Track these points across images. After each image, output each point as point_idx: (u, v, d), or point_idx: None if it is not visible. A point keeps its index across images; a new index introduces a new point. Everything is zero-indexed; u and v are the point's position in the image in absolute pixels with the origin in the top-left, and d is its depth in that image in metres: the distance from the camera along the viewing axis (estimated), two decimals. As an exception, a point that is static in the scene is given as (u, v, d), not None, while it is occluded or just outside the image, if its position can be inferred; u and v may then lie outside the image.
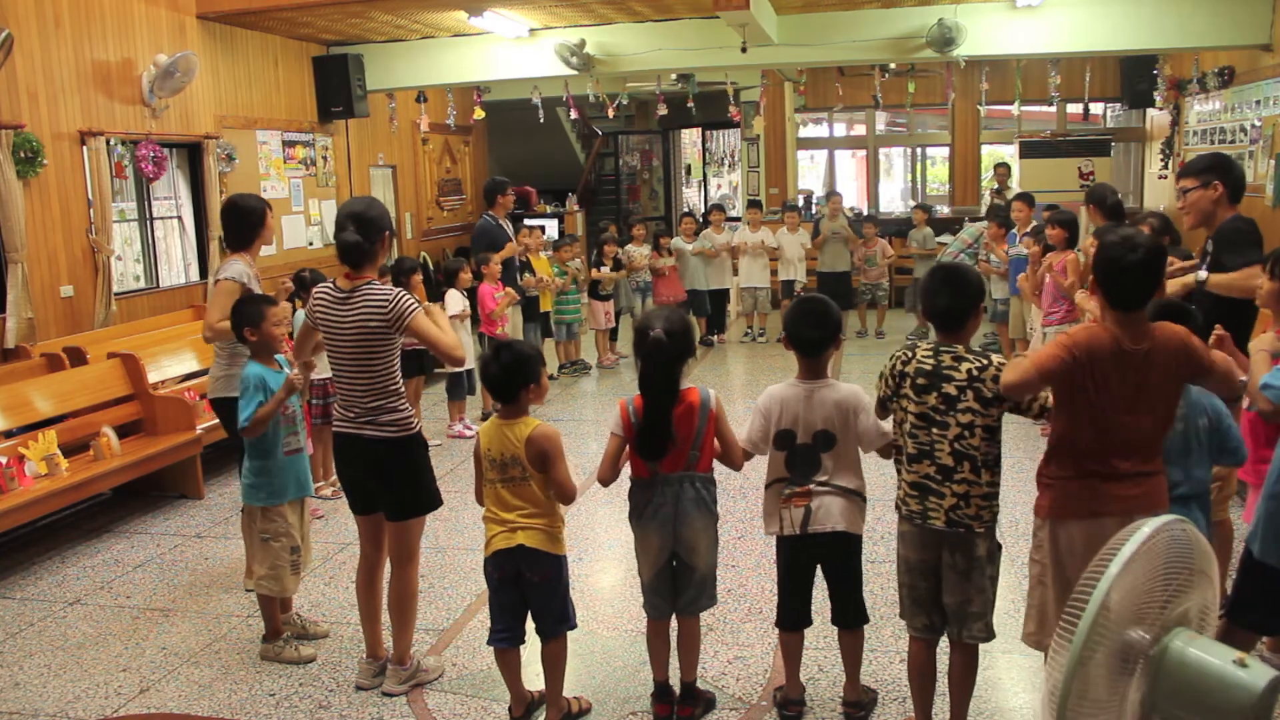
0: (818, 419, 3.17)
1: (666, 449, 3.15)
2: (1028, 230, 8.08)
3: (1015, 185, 11.17)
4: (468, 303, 7.35)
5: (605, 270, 9.35)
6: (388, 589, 3.67)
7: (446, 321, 3.63)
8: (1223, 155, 4.42)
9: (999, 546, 3.02)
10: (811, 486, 3.16)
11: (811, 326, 3.21)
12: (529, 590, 3.23)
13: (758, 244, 10.20)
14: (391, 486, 3.55)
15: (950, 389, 2.91)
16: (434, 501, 3.64)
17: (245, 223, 4.43)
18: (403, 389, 3.56)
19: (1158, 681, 1.95)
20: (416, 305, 3.45)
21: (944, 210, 12.93)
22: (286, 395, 3.85)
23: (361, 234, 3.45)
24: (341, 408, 3.56)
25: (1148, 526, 1.96)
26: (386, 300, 3.41)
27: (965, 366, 2.92)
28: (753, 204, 11.19)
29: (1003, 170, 11.64)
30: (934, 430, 2.93)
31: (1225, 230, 4.20)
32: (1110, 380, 2.69)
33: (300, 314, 5.11)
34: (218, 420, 4.78)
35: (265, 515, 3.91)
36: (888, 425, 3.17)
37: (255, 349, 3.94)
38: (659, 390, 3.13)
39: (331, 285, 3.54)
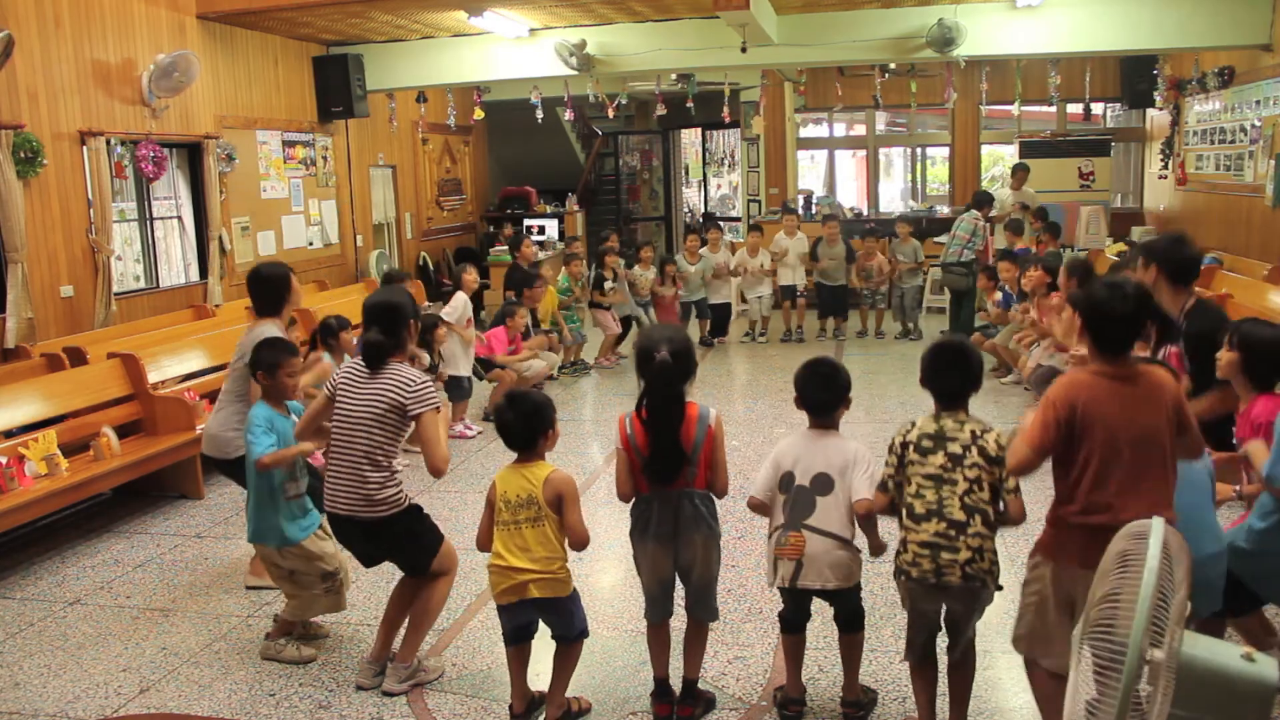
0: (819, 462, 3.19)
1: (681, 471, 3.16)
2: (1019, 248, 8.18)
3: (1030, 189, 11.03)
4: (471, 309, 7.35)
5: (609, 285, 9.39)
6: (418, 592, 3.71)
7: (445, 432, 3.75)
8: (1170, 237, 4.23)
9: (1000, 588, 3.03)
10: (804, 533, 3.15)
11: (820, 389, 3.26)
12: (546, 622, 3.35)
13: (757, 268, 10.22)
14: (396, 554, 3.70)
15: (955, 448, 2.95)
16: (437, 543, 3.69)
17: (272, 290, 4.47)
18: (397, 467, 3.60)
19: (1174, 686, 1.97)
20: (435, 403, 3.55)
21: (944, 210, 12.92)
22: (297, 455, 3.84)
23: (385, 330, 3.58)
24: (331, 492, 3.59)
25: (1154, 546, 1.97)
26: (410, 383, 3.52)
27: (968, 428, 2.98)
28: (753, 229, 11.18)
29: (1021, 173, 11.29)
30: (943, 489, 2.94)
31: (1189, 333, 3.95)
32: (1099, 417, 2.69)
33: (327, 358, 5.14)
34: (226, 473, 4.68)
35: (283, 555, 3.87)
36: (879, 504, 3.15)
37: (265, 391, 3.94)
38: (666, 412, 3.14)
39: (361, 364, 3.61)
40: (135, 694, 3.73)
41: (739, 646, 3.90)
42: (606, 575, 4.70)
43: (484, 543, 3.31)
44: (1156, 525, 2.04)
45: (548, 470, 3.22)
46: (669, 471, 3.15)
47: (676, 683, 3.42)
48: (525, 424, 3.21)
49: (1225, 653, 1.97)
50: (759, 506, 3.31)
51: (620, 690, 3.59)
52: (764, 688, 3.58)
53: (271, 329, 4.38)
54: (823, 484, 3.17)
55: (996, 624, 3.68)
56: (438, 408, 3.57)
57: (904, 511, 3.02)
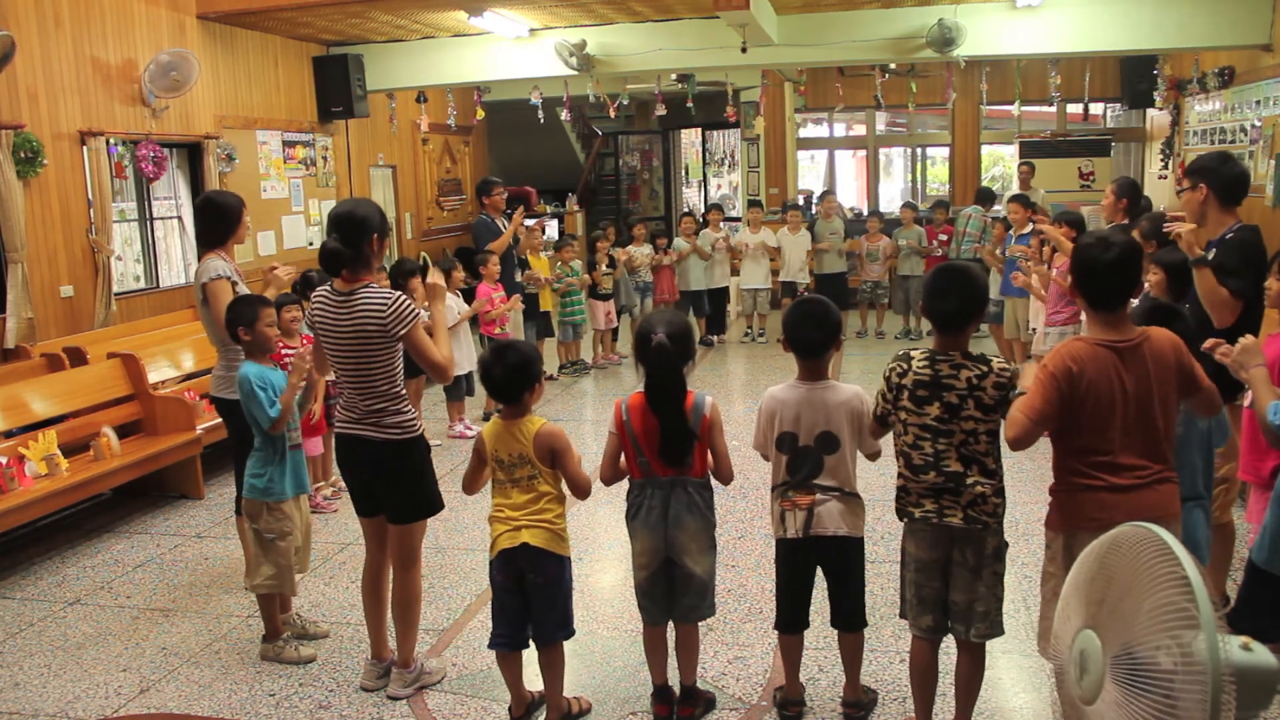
0: (820, 420, 3.17)
1: (691, 448, 3.16)
2: (1025, 232, 8.10)
3: (1040, 189, 11.01)
4: (462, 305, 7.33)
5: (601, 270, 9.36)
6: (391, 592, 3.67)
7: (445, 333, 3.56)
8: (1217, 155, 4.21)
9: (1006, 544, 3.02)
10: (815, 493, 3.16)
11: (810, 327, 3.20)
12: (532, 593, 3.23)
13: (758, 244, 10.20)
14: (394, 489, 3.54)
15: (952, 398, 2.90)
16: (435, 505, 3.63)
17: (222, 220, 4.35)
18: (405, 391, 3.54)
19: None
20: (415, 315, 3.41)
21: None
22: (300, 378, 3.83)
23: (344, 239, 3.40)
24: (344, 408, 3.55)
25: (1178, 548, 2.00)
26: (385, 305, 3.37)
27: (965, 375, 2.90)
28: (753, 204, 11.17)
29: (1025, 169, 11.20)
30: (939, 441, 2.91)
31: (1228, 246, 3.97)
32: (1099, 383, 2.68)
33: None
34: (220, 419, 4.74)
35: (271, 512, 3.89)
36: (879, 444, 3.21)
37: (249, 348, 3.94)
38: (668, 393, 3.14)
39: (329, 289, 3.49)
40: (135, 694, 3.73)
41: (739, 646, 3.90)
42: (606, 575, 4.70)
43: (469, 487, 3.32)
44: (1162, 532, 2.05)
45: (537, 425, 3.18)
46: (679, 451, 3.14)
47: (676, 684, 3.42)
48: (512, 377, 3.16)
49: (1228, 644, 1.99)
50: (761, 454, 3.30)
51: (620, 690, 3.59)
52: (764, 688, 3.58)
53: (217, 262, 4.28)
54: (828, 442, 3.16)
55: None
56: (419, 317, 3.44)
57: (902, 460, 3.01)
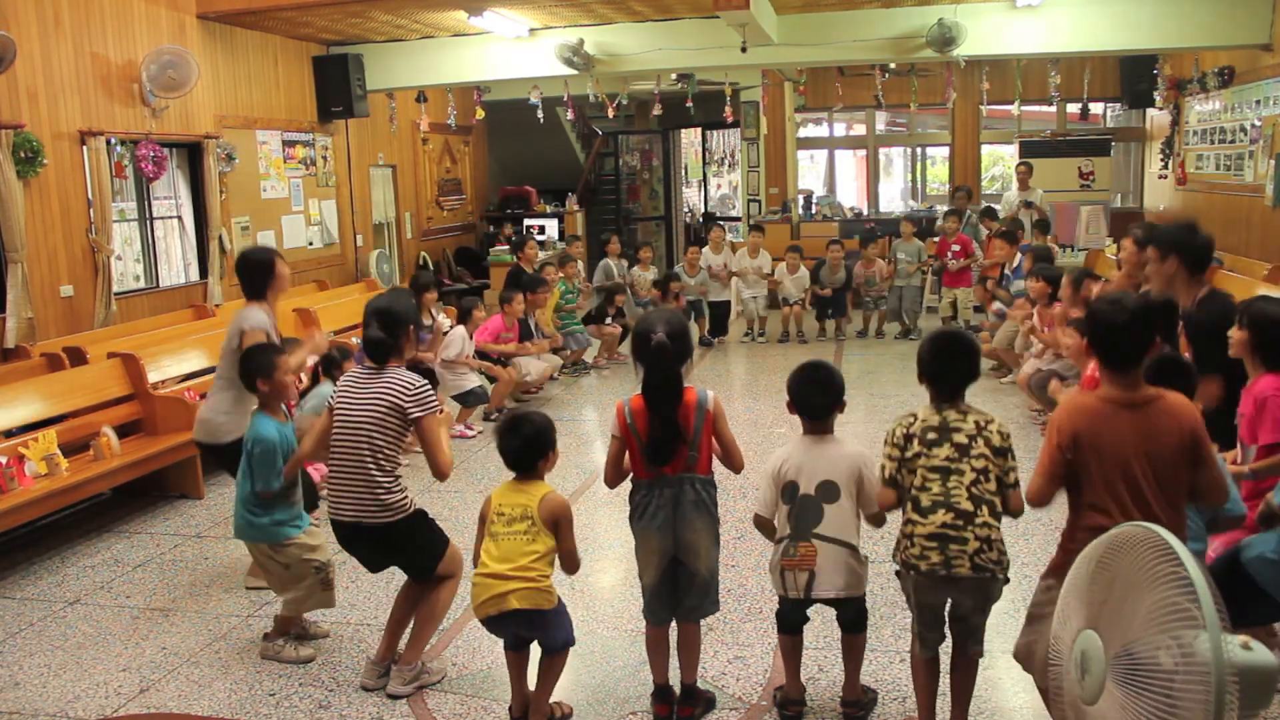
0: (822, 470, 3.17)
1: (678, 451, 3.16)
2: (1014, 266, 8.18)
3: (1039, 189, 10.99)
4: (471, 346, 7.36)
5: (609, 325, 9.49)
6: (423, 595, 3.71)
7: (447, 436, 3.74)
8: (1184, 227, 4.24)
9: (1007, 580, 3.03)
10: (814, 542, 3.14)
11: (817, 393, 3.23)
12: (530, 637, 3.32)
13: (757, 270, 10.23)
14: (402, 560, 3.68)
15: (961, 438, 2.94)
16: (443, 547, 3.69)
17: (256, 274, 4.49)
18: (399, 472, 3.60)
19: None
20: (435, 406, 3.57)
21: (943, 210, 12.92)
22: (299, 463, 3.88)
23: (386, 330, 3.58)
24: (335, 499, 3.58)
25: (1179, 546, 2.00)
26: (410, 386, 3.52)
27: (971, 419, 2.97)
28: (754, 229, 11.15)
29: (1023, 169, 11.10)
30: (950, 480, 2.92)
31: (1195, 320, 3.98)
32: (1103, 439, 2.68)
33: (325, 387, 5.16)
34: (216, 460, 4.68)
35: (275, 550, 3.87)
36: (880, 506, 3.17)
37: (265, 399, 3.93)
38: (664, 394, 3.15)
39: (364, 367, 3.64)
40: (135, 694, 3.73)
41: (739, 646, 3.90)
42: (606, 575, 4.70)
43: (477, 559, 3.31)
44: (1162, 532, 2.05)
45: (545, 490, 3.22)
46: (666, 452, 3.15)
47: (676, 684, 3.42)
48: (527, 449, 3.22)
49: (1229, 643, 2.00)
50: (764, 525, 3.30)
51: (620, 690, 3.59)
52: (764, 688, 3.58)
53: (258, 313, 4.42)
54: (829, 491, 3.16)
55: (996, 624, 3.66)
56: (437, 411, 3.58)
57: (909, 504, 3.00)
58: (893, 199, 15.89)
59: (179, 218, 8.32)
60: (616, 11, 8.92)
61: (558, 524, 3.18)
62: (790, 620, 3.32)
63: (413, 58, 10.08)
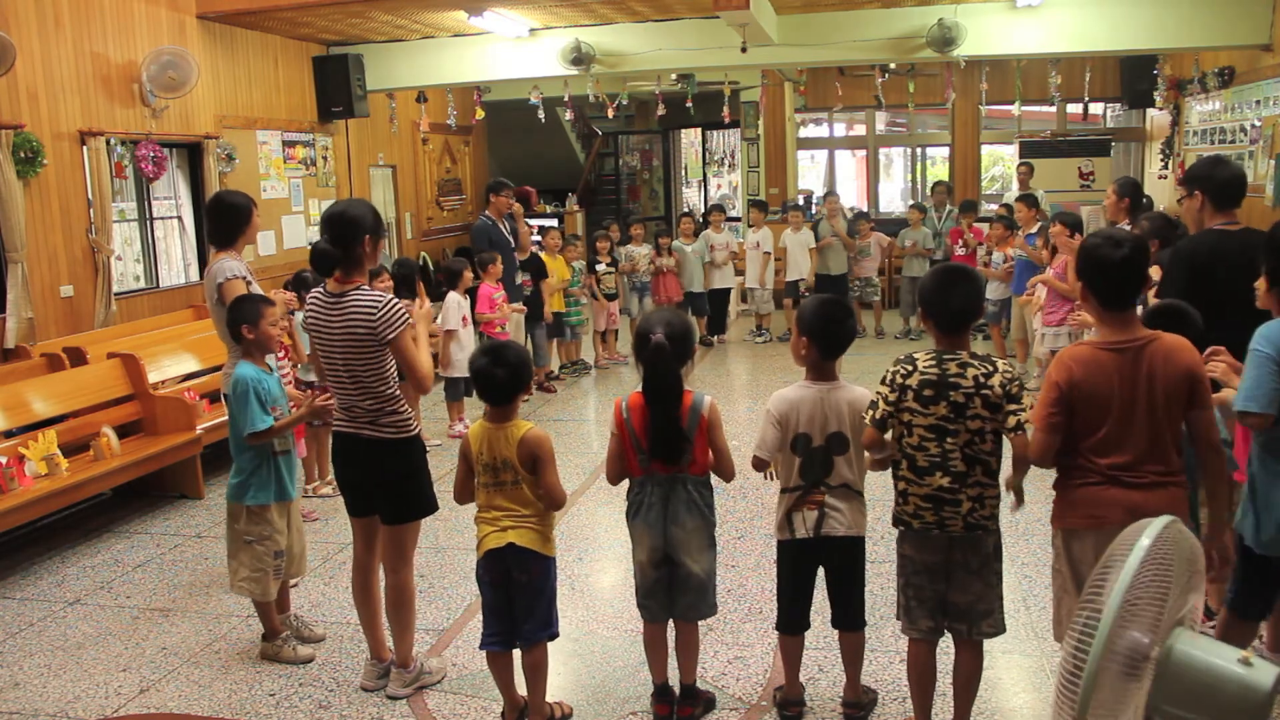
0: (832, 420, 3.16)
1: (683, 449, 3.15)
2: (1032, 231, 8.11)
3: (1040, 190, 10.98)
4: (468, 308, 7.33)
5: (601, 269, 9.34)
6: (385, 594, 3.66)
7: (426, 342, 3.54)
8: (1210, 160, 4.15)
9: (1001, 540, 3.03)
10: (826, 494, 3.16)
11: (836, 326, 3.18)
12: (516, 591, 3.22)
13: (754, 246, 10.24)
14: (389, 488, 3.53)
15: (958, 397, 2.89)
16: (430, 506, 3.62)
17: (232, 220, 4.40)
18: (399, 392, 3.52)
19: (1162, 684, 1.95)
20: (404, 320, 3.38)
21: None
22: (310, 417, 3.89)
23: (335, 239, 3.39)
24: (341, 408, 3.55)
25: (1147, 537, 1.96)
26: (375, 307, 3.35)
27: (971, 373, 2.90)
28: (754, 204, 11.17)
29: (1024, 170, 11.16)
30: (946, 440, 2.91)
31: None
32: (1095, 384, 2.69)
33: (301, 315, 5.12)
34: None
35: (250, 516, 3.90)
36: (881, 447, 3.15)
37: (251, 348, 3.93)
38: (664, 394, 3.14)
39: (322, 290, 3.49)
40: (135, 694, 3.73)
41: (739, 646, 3.90)
42: (606, 575, 4.70)
43: (461, 496, 3.30)
44: (1159, 521, 2.02)
45: (523, 430, 3.16)
46: (672, 451, 3.14)
47: (676, 684, 3.42)
48: (511, 378, 3.16)
49: (1222, 655, 1.95)
50: (761, 465, 3.25)
51: (620, 690, 3.59)
52: (764, 688, 3.58)
53: (230, 262, 4.35)
54: (839, 443, 3.16)
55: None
56: (410, 324, 3.43)
57: (905, 463, 2.99)
58: (893, 199, 15.87)
59: (179, 218, 8.32)
60: (616, 11, 8.92)
61: (535, 460, 3.14)
62: (790, 621, 3.32)
63: (413, 58, 10.08)
